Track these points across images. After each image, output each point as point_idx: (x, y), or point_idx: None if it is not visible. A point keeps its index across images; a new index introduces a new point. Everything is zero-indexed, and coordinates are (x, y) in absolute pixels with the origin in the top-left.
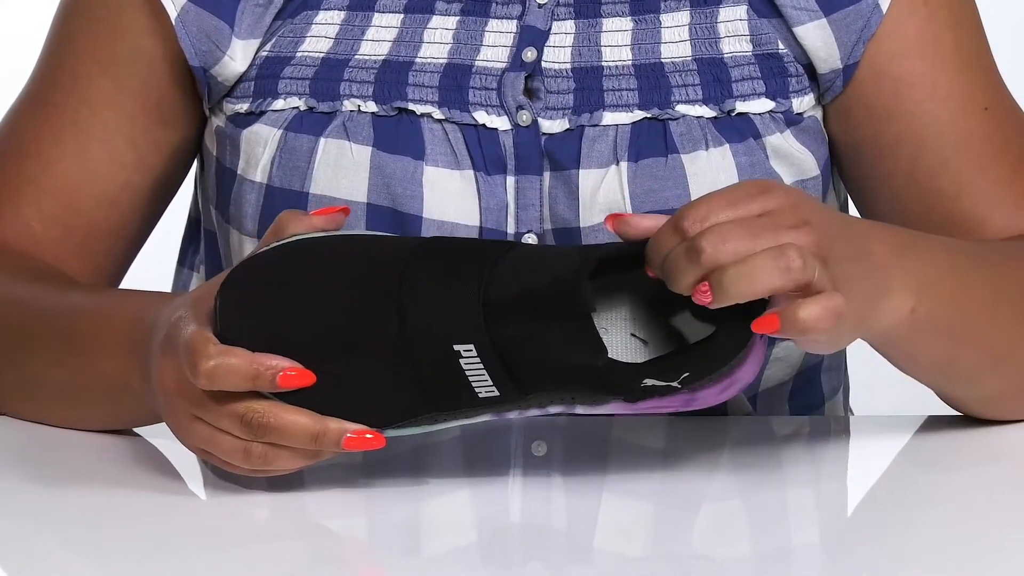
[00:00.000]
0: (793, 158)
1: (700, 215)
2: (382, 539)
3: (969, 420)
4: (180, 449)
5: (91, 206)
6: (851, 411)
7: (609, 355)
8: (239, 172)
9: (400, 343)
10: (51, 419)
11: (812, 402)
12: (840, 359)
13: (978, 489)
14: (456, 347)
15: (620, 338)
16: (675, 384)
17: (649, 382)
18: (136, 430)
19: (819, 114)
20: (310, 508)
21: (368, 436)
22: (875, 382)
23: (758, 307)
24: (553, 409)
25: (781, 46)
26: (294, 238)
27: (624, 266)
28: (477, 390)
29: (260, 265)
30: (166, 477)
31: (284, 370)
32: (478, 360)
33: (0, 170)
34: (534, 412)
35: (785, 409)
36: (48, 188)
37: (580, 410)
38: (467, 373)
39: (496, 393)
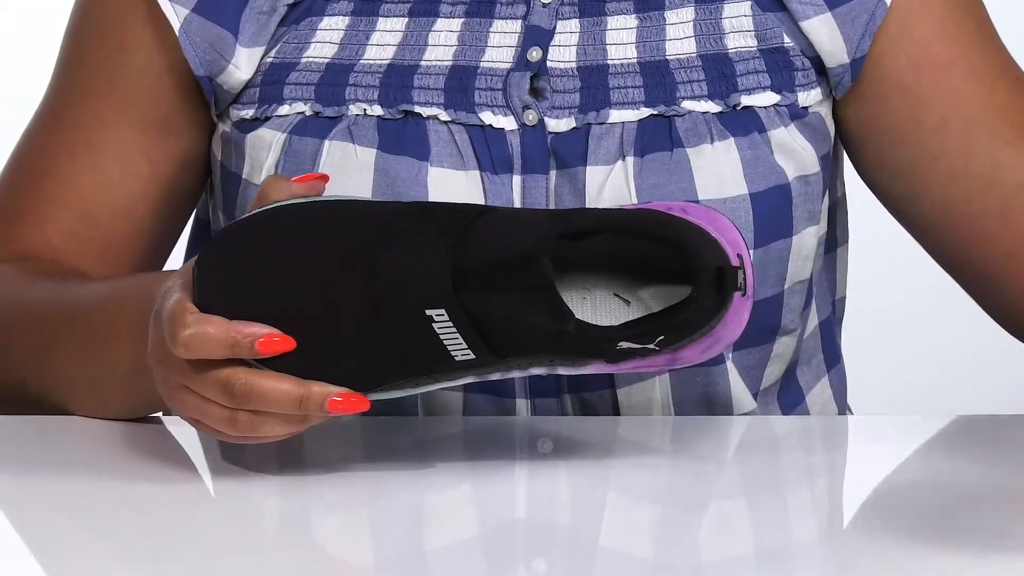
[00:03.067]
0: (796, 153)
1: None
2: (386, 535)
3: (967, 420)
4: (179, 436)
5: (109, 219)
6: (850, 410)
7: (590, 314)
8: (244, 176)
9: (374, 308)
10: (80, 412)
11: (795, 399)
12: (811, 354)
13: (978, 489)
14: (428, 312)
15: (603, 298)
16: (652, 347)
17: (625, 345)
18: (135, 419)
19: (825, 109)
20: (315, 506)
21: (352, 399)
22: (875, 382)
23: (730, 272)
24: (534, 371)
25: (787, 40)
26: (273, 205)
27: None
28: (453, 354)
29: (237, 234)
30: (168, 464)
31: (262, 336)
32: (451, 324)
33: (20, 187)
34: (516, 374)
35: (776, 407)
36: (66, 204)
37: (561, 371)
38: (441, 337)
39: (472, 356)
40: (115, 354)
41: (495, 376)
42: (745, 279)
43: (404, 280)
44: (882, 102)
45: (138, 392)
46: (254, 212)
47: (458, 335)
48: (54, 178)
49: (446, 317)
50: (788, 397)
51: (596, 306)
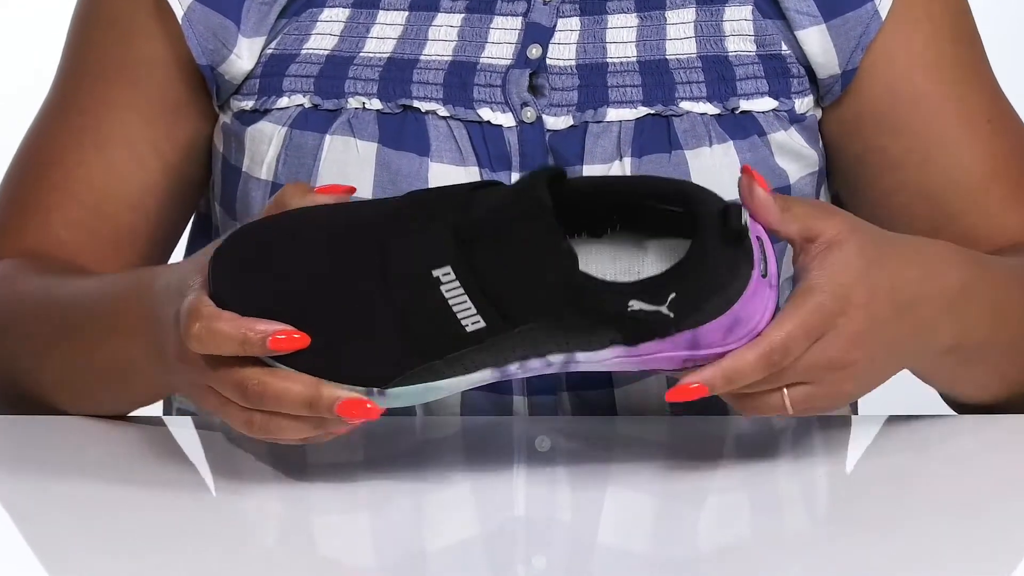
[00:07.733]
0: (800, 153)
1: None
2: (386, 534)
3: (969, 420)
4: (179, 437)
5: (116, 209)
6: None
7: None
8: (244, 170)
9: (383, 285)
10: (72, 410)
11: None
12: None
13: (978, 489)
14: (435, 273)
15: (608, 263)
16: (664, 310)
17: (637, 305)
18: (137, 420)
19: (818, 114)
20: (314, 505)
21: (363, 403)
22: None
23: (734, 210)
24: (553, 359)
25: (784, 47)
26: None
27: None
28: (463, 322)
29: (253, 231)
30: (167, 466)
31: (274, 333)
32: (457, 284)
33: (27, 178)
34: (535, 364)
35: None
36: (72, 194)
37: (581, 358)
38: (450, 301)
39: (482, 324)
40: (106, 351)
41: (514, 367)
42: (766, 256)
43: (412, 250)
44: (855, 122)
45: (127, 391)
46: (273, 215)
47: (466, 296)
48: (60, 167)
49: (452, 276)
50: None
51: (603, 273)
